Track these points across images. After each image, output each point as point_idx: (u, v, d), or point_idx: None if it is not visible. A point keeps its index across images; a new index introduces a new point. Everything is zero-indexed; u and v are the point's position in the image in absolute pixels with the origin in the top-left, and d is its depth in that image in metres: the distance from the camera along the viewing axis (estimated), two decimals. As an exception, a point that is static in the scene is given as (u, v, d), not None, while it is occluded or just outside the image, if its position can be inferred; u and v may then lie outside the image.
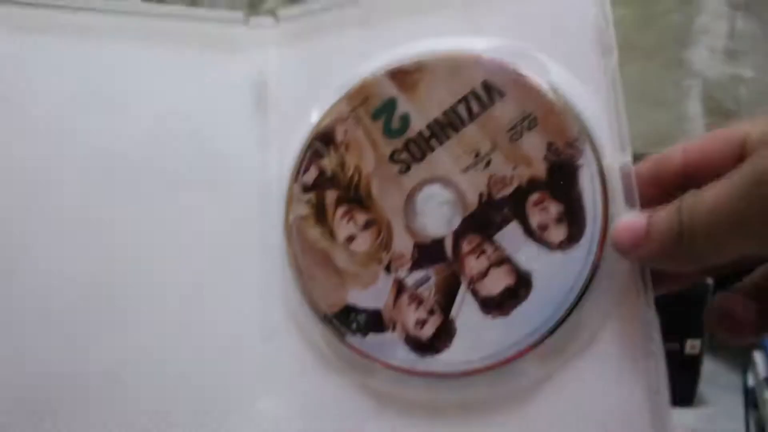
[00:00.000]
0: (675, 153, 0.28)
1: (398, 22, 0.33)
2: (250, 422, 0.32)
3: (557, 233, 0.29)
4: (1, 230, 0.30)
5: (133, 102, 0.32)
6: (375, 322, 0.31)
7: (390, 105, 0.32)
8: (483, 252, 0.30)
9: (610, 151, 0.29)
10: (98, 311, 0.30)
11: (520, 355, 0.29)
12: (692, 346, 0.44)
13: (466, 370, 0.30)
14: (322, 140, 0.33)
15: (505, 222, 0.30)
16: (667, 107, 0.43)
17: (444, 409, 0.30)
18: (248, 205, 0.34)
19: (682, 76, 0.44)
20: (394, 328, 0.31)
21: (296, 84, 0.34)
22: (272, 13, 0.35)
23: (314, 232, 0.33)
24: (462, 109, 0.31)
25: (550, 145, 0.30)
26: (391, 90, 0.32)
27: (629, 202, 0.28)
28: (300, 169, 0.33)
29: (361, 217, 0.32)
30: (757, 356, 0.50)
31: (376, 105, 0.32)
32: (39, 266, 0.30)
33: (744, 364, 0.52)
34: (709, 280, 0.45)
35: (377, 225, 0.32)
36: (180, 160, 0.33)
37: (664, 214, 0.26)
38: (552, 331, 0.29)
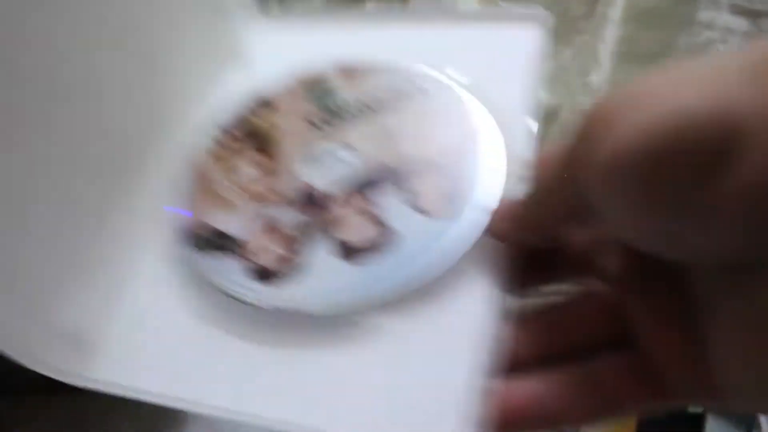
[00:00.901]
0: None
1: (377, 31, 0.37)
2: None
3: (435, 203, 0.29)
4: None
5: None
6: (229, 245, 0.30)
7: (330, 89, 0.35)
8: (355, 204, 0.30)
9: (517, 145, 0.30)
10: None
11: (364, 306, 0.27)
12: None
13: (301, 308, 0.27)
14: (260, 101, 0.35)
15: (387, 184, 0.30)
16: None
17: (265, 344, 0.28)
18: (179, 128, 0.35)
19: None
20: (244, 255, 0.29)
21: (272, 56, 0.38)
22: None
23: (210, 162, 0.33)
24: (388, 99, 0.33)
25: (454, 134, 0.31)
26: (336, 79, 0.35)
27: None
28: (231, 116, 0.35)
29: (259, 159, 0.33)
30: (763, 419, 0.46)
31: (319, 86, 0.35)
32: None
33: (748, 425, 0.47)
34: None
35: (271, 168, 0.32)
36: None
37: None
38: (402, 290, 0.27)
